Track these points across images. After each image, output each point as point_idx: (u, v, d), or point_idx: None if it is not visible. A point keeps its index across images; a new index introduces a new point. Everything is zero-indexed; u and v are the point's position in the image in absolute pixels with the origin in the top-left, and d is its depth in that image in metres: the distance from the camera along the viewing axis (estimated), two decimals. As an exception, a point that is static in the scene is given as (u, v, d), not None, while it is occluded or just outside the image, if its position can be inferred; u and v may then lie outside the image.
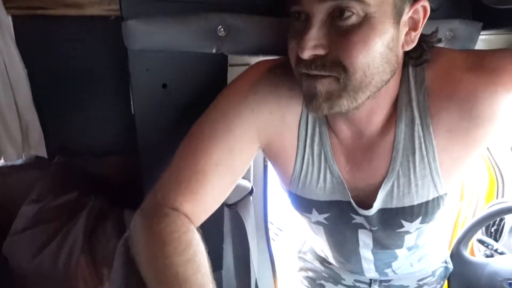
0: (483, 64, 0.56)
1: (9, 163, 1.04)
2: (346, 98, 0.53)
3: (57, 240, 0.84)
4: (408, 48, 0.55)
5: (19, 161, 1.06)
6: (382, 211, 0.66)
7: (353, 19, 0.49)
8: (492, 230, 1.23)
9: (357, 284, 0.93)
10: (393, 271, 0.85)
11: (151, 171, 0.77)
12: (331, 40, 0.51)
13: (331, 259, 0.92)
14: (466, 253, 1.05)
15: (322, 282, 0.99)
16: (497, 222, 1.23)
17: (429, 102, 0.59)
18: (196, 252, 0.56)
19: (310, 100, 0.55)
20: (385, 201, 0.65)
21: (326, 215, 0.71)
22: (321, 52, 0.51)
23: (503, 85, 0.54)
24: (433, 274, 0.94)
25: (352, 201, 0.66)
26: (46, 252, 0.82)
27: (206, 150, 0.63)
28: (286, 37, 0.59)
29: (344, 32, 0.50)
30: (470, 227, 1.06)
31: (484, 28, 0.81)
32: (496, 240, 1.21)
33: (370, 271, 0.85)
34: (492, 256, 1.13)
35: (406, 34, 0.54)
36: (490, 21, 0.81)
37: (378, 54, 0.51)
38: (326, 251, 0.90)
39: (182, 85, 0.73)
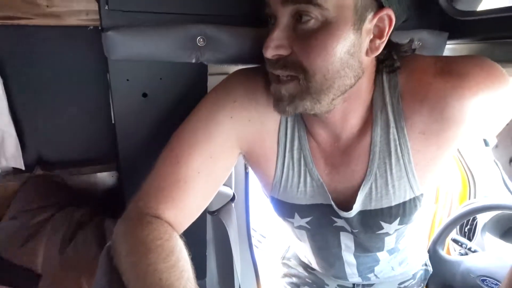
0: (451, 69, 0.59)
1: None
2: (309, 100, 0.56)
3: (41, 254, 0.83)
4: (373, 55, 0.58)
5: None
6: (362, 213, 0.69)
7: (312, 23, 0.52)
8: (466, 229, 1.28)
9: None
10: (375, 275, 0.87)
11: (132, 180, 0.77)
12: (293, 42, 0.54)
13: (314, 265, 0.93)
14: (442, 252, 1.09)
15: (306, 287, 1.01)
16: (470, 222, 1.28)
17: (402, 105, 0.62)
18: (179, 259, 0.56)
19: (276, 102, 0.59)
20: (364, 203, 0.68)
21: (308, 219, 0.73)
22: (283, 52, 0.54)
23: (470, 89, 0.57)
24: (413, 277, 0.96)
25: (332, 203, 0.69)
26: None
27: (187, 158, 0.64)
28: (263, 46, 0.62)
29: (304, 35, 0.53)
30: (445, 227, 1.10)
31: (450, 37, 0.86)
32: (469, 239, 1.26)
33: (353, 275, 0.87)
34: (466, 254, 1.17)
35: (371, 41, 0.57)
36: (456, 31, 0.85)
37: (338, 58, 0.54)
38: (309, 256, 0.91)
39: (162, 94, 0.74)
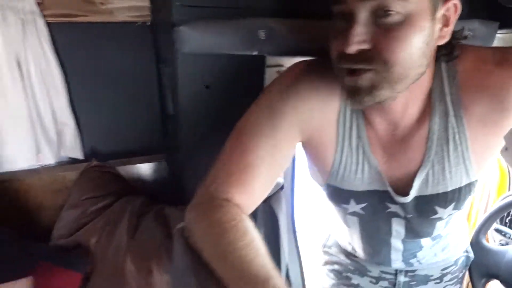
0: (509, 59, 0.61)
1: (45, 164, 1.08)
2: (386, 89, 0.58)
3: (102, 240, 0.88)
4: (441, 43, 0.60)
5: (54, 163, 1.10)
6: (418, 198, 0.71)
7: (395, 17, 0.54)
8: (507, 220, 1.29)
9: (383, 275, 0.96)
10: (418, 261, 0.89)
11: (192, 168, 0.82)
12: (373, 36, 0.55)
13: (359, 252, 0.95)
14: (485, 242, 1.09)
15: (349, 274, 1.01)
16: (511, 213, 1.28)
17: (461, 95, 0.64)
18: (254, 238, 0.60)
19: (352, 94, 0.59)
20: (421, 188, 0.70)
21: (363, 205, 0.76)
22: (365, 46, 0.55)
23: None
24: (455, 263, 0.97)
25: (390, 189, 0.71)
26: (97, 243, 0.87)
27: (253, 147, 0.67)
28: (321, 38, 0.64)
29: (386, 29, 0.54)
30: (488, 217, 1.11)
31: (501, 27, 0.86)
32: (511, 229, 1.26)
33: (397, 261, 0.89)
34: (507, 244, 1.18)
35: (440, 30, 0.59)
36: (506, 21, 0.86)
37: (417, 49, 0.56)
38: (355, 243, 0.93)
39: (223, 86, 0.77)
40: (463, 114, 0.64)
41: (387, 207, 0.75)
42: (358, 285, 0.99)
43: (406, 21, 0.54)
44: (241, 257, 0.56)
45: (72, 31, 1.03)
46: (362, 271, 0.99)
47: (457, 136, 0.65)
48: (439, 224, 0.78)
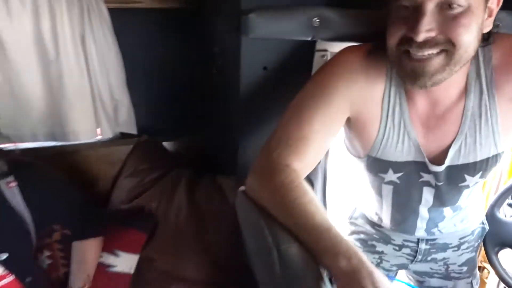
0: None
1: (103, 139, 1.19)
2: (447, 71, 0.67)
3: (163, 204, 1.00)
4: (486, 31, 0.70)
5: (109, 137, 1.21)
6: (450, 168, 0.81)
7: (459, 9, 0.63)
8: (518, 196, 1.39)
9: (406, 243, 1.06)
10: (439, 231, 0.99)
11: (249, 139, 0.92)
12: (439, 24, 0.64)
13: (385, 221, 1.05)
14: (500, 215, 1.20)
15: (374, 242, 1.11)
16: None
17: (495, 77, 0.73)
18: (313, 197, 0.70)
19: (415, 78, 0.68)
20: (453, 158, 0.80)
21: (399, 174, 0.86)
22: (432, 34, 0.64)
23: None
24: (472, 233, 1.07)
25: (426, 160, 0.81)
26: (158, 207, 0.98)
27: (309, 119, 0.77)
28: (368, 26, 0.74)
29: (451, 18, 0.63)
30: (502, 193, 1.22)
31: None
32: (521, 205, 1.36)
33: (420, 230, 0.99)
34: (518, 218, 1.28)
35: (486, 19, 0.68)
36: (531, 12, 0.94)
37: (476, 34, 0.65)
38: (384, 212, 1.03)
39: (278, 67, 0.87)
40: (496, 93, 0.74)
41: (421, 176, 0.85)
42: (382, 252, 1.09)
43: (467, 11, 0.63)
44: (305, 211, 0.67)
45: (128, 16, 1.12)
46: (386, 240, 1.08)
47: (489, 112, 0.75)
48: (465, 192, 0.88)
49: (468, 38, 0.64)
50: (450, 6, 0.63)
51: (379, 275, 0.58)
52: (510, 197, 1.37)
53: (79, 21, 1.03)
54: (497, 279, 1.59)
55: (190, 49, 1.21)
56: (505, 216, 1.35)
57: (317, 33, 0.82)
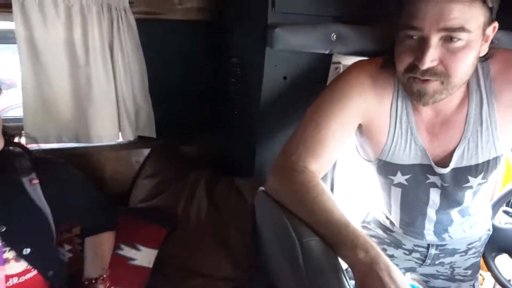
0: None
1: (123, 142, 1.25)
2: (444, 94, 0.76)
3: (183, 203, 1.06)
4: (481, 55, 0.78)
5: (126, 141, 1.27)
6: (454, 170, 0.89)
7: (460, 43, 0.71)
8: (510, 205, 1.47)
9: (416, 248, 1.11)
10: (450, 236, 1.05)
11: (265, 144, 0.99)
12: (441, 55, 0.73)
13: (396, 224, 1.10)
14: (495, 222, 1.27)
15: (385, 246, 1.16)
16: (515, 199, 1.47)
17: (494, 87, 0.82)
18: (331, 195, 0.77)
19: (420, 97, 0.77)
20: (458, 161, 0.88)
21: (407, 176, 0.93)
22: (434, 64, 0.73)
23: None
24: (479, 239, 1.13)
25: (432, 163, 0.89)
26: (179, 207, 1.04)
27: (325, 124, 0.84)
28: (380, 42, 0.81)
29: (452, 51, 0.72)
30: (498, 200, 1.29)
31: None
32: (516, 211, 1.44)
33: (429, 233, 1.04)
34: (513, 224, 1.35)
35: (481, 46, 0.76)
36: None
37: (472, 64, 0.74)
38: (393, 215, 1.09)
39: (297, 77, 0.94)
40: (495, 101, 0.82)
41: (427, 178, 0.92)
42: (392, 255, 1.14)
43: (466, 45, 0.71)
44: (325, 207, 0.73)
45: (153, 27, 1.20)
46: (397, 244, 1.13)
47: (488, 119, 0.83)
48: (467, 193, 0.95)
49: (464, 68, 0.73)
50: (451, 39, 0.70)
51: (395, 268, 0.63)
52: (504, 204, 1.45)
53: (108, 30, 1.11)
54: (491, 285, 1.66)
55: (210, 59, 1.28)
56: (500, 223, 1.42)
57: (334, 47, 0.90)
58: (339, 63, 1.00)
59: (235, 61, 1.09)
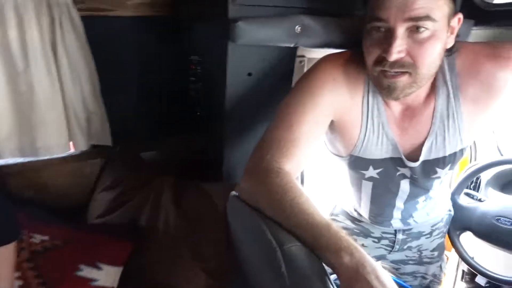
0: (499, 54, 0.80)
1: (76, 152, 1.14)
2: (414, 87, 0.76)
3: (148, 214, 0.98)
4: (448, 46, 0.78)
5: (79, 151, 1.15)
6: (424, 162, 0.89)
7: (426, 33, 0.70)
8: (471, 186, 1.53)
9: (384, 235, 1.14)
10: (414, 221, 1.08)
11: (233, 145, 0.94)
12: (408, 47, 0.72)
13: (364, 215, 1.11)
14: (460, 201, 1.32)
15: (354, 237, 1.17)
16: (474, 180, 1.53)
17: (459, 81, 0.82)
18: (308, 196, 0.74)
19: (390, 91, 0.76)
20: (426, 154, 0.88)
21: (379, 170, 0.93)
22: (402, 55, 0.72)
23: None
24: (442, 220, 1.18)
25: (403, 157, 0.88)
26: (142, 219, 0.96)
27: (299, 123, 0.81)
28: (346, 34, 0.79)
29: (418, 41, 0.71)
30: (461, 182, 1.34)
31: (475, 24, 1.07)
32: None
33: (396, 221, 1.07)
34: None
35: (448, 37, 0.77)
36: (480, 19, 1.06)
37: (438, 55, 0.74)
38: (363, 207, 1.09)
39: (262, 73, 0.90)
40: (460, 96, 0.83)
41: (398, 170, 0.93)
42: (362, 245, 1.15)
43: (432, 35, 0.71)
44: (304, 209, 0.70)
45: (102, 24, 1.09)
46: (366, 233, 1.16)
47: (455, 113, 0.84)
48: (435, 182, 0.97)
49: (431, 59, 0.73)
50: (418, 29, 0.70)
51: (381, 269, 0.61)
52: (467, 186, 1.52)
53: (49, 29, 0.99)
54: (455, 264, 1.74)
55: (167, 57, 1.20)
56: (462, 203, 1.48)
57: (299, 40, 0.86)
58: (304, 56, 0.97)
59: (194, 59, 1.03)
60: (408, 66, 0.73)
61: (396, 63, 0.73)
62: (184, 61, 1.10)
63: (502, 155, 1.72)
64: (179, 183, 1.06)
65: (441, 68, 0.82)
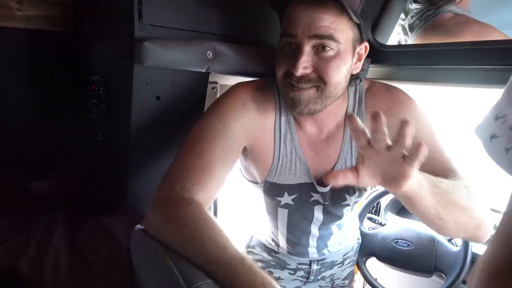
0: (399, 98, 0.88)
1: None
2: (319, 103, 0.79)
3: (31, 257, 0.81)
4: (354, 72, 0.84)
5: None
6: (332, 189, 0.92)
7: (330, 52, 0.75)
8: (373, 211, 1.65)
9: (300, 266, 1.14)
10: (328, 250, 1.10)
11: (138, 175, 0.86)
12: (314, 63, 0.75)
13: (281, 245, 1.10)
14: (364, 228, 1.40)
15: (271, 269, 1.16)
16: (375, 205, 1.65)
17: (365, 112, 0.88)
18: (220, 228, 0.69)
19: (295, 105, 0.78)
20: None
21: (294, 196, 0.93)
22: (308, 71, 0.75)
23: (410, 110, 0.86)
24: (352, 248, 1.22)
25: (314, 181, 0.90)
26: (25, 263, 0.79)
27: (210, 149, 0.77)
28: (260, 63, 0.80)
29: (324, 59, 0.75)
30: (363, 208, 1.43)
31: (372, 62, 1.18)
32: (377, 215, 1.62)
33: (313, 251, 1.07)
34: (377, 227, 1.52)
35: (355, 63, 0.82)
36: (376, 58, 1.17)
37: (343, 75, 0.78)
38: (280, 236, 1.08)
39: (172, 97, 0.85)
40: (366, 126, 0.88)
41: (311, 196, 0.94)
42: (279, 277, 1.15)
43: (337, 55, 0.76)
44: (216, 243, 0.65)
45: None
46: (282, 265, 1.14)
47: None
48: (346, 210, 1.00)
49: (337, 78, 0.77)
50: (324, 48, 0.75)
51: None
52: (369, 211, 1.62)
53: None
54: (360, 285, 1.83)
55: (64, 76, 1.07)
56: (364, 228, 1.58)
57: (211, 65, 0.84)
58: (216, 83, 0.95)
59: (96, 79, 0.93)
60: (315, 81, 0.76)
61: (302, 78, 0.76)
62: (85, 81, 1.00)
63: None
64: (75, 217, 0.92)
65: (352, 100, 0.88)
